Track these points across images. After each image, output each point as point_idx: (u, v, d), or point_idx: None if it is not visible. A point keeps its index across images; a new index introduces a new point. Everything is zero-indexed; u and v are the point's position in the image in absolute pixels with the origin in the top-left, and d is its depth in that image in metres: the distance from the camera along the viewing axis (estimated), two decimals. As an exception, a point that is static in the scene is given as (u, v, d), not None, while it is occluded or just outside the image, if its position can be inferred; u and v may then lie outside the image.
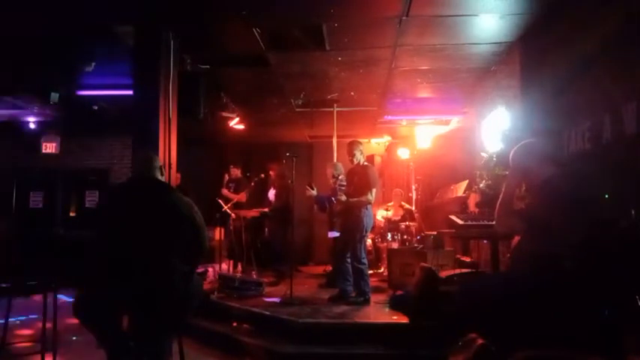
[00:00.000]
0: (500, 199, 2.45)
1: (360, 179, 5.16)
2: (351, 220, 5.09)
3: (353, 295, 5.03)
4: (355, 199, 5.07)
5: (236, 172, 7.45)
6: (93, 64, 5.17)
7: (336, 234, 5.56)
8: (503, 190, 2.48)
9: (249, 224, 6.95)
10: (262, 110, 7.53)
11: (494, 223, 2.59)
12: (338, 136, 7.43)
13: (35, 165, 8.82)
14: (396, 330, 4.13)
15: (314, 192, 5.67)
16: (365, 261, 5.06)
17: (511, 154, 2.50)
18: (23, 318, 5.44)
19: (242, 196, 6.93)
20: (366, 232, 5.16)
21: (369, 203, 5.09)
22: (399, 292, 5.13)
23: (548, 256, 2.08)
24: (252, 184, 7.05)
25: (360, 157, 5.28)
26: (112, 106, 6.75)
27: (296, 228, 6.92)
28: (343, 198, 5.10)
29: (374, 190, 5.11)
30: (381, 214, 7.10)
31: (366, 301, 4.98)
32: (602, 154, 3.27)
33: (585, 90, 3.57)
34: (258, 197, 7.35)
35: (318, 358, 4.03)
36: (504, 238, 3.63)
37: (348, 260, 5.06)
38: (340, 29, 4.58)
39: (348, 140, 5.52)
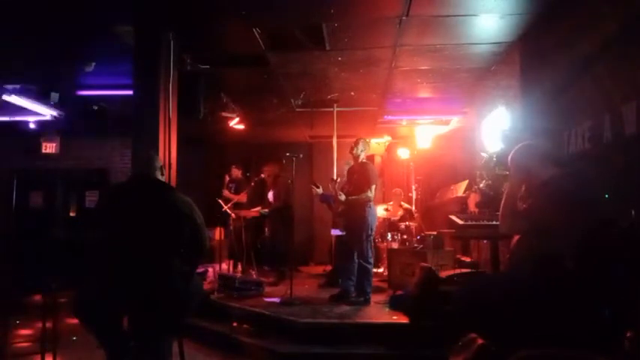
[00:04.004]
0: (503, 201, 2.45)
1: (359, 177, 5.16)
2: (355, 219, 5.08)
3: (353, 295, 5.04)
4: (354, 197, 5.07)
5: (237, 173, 7.47)
6: (93, 64, 5.18)
7: (339, 232, 5.56)
8: (506, 192, 2.47)
9: (249, 224, 6.95)
10: (262, 110, 7.52)
11: (495, 223, 2.59)
12: (338, 136, 7.42)
13: (35, 165, 8.81)
14: (396, 330, 4.13)
15: (320, 190, 5.72)
16: (372, 260, 5.07)
17: (510, 156, 2.50)
18: (23, 318, 5.44)
19: (242, 197, 6.95)
20: (372, 230, 5.16)
21: (369, 200, 5.09)
22: (399, 292, 5.13)
23: (549, 256, 2.08)
24: (252, 184, 7.06)
25: (358, 153, 5.26)
26: (112, 106, 6.74)
27: (296, 228, 6.92)
28: (342, 197, 5.10)
29: (373, 187, 5.09)
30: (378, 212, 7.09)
31: (367, 301, 4.99)
32: (602, 154, 3.26)
33: (585, 90, 3.56)
34: (258, 197, 7.35)
35: (319, 358, 4.03)
36: (505, 237, 3.63)
37: (355, 260, 5.06)
38: (340, 29, 4.58)
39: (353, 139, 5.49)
